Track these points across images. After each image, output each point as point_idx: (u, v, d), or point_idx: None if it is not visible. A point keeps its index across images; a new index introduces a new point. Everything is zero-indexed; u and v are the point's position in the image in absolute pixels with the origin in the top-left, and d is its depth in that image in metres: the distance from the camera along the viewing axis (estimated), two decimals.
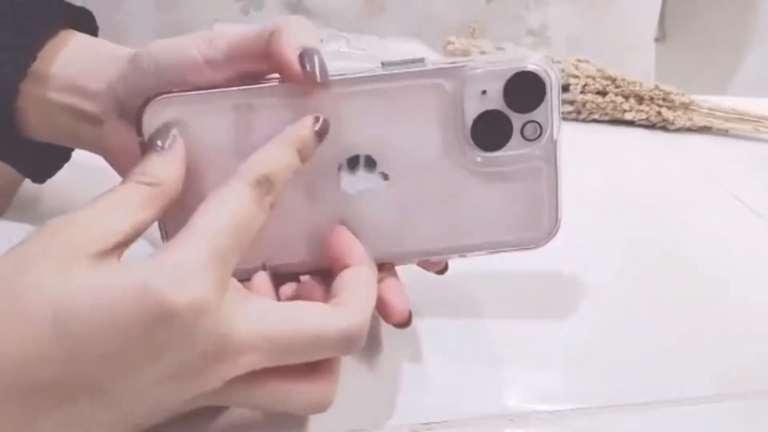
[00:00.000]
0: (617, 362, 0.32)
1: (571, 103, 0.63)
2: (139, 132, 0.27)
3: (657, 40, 0.89)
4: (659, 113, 0.62)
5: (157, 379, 0.22)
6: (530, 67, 0.28)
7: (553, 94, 0.29)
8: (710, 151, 0.60)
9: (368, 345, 0.31)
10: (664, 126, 0.63)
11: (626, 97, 0.62)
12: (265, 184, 0.25)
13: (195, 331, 0.22)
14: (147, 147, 0.26)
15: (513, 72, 0.28)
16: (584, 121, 0.63)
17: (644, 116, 0.62)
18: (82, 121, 0.32)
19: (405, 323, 0.29)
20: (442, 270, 0.32)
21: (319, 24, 0.65)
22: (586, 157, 0.57)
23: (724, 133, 0.64)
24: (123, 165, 0.33)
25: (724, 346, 0.34)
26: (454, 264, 0.38)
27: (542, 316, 0.35)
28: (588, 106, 0.62)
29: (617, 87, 0.62)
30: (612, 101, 0.62)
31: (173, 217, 0.26)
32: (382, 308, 0.29)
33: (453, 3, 0.71)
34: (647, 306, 0.37)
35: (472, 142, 0.29)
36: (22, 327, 0.21)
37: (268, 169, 0.26)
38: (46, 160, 0.36)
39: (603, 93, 0.62)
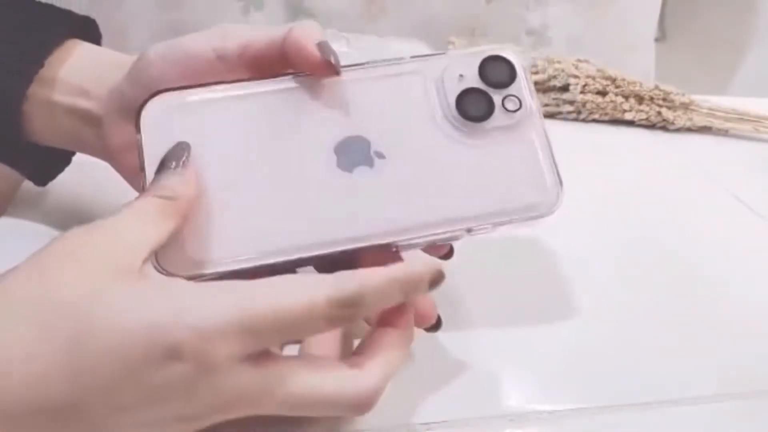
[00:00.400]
0: (617, 362, 0.32)
1: (571, 103, 0.63)
2: (138, 128, 0.28)
3: (657, 40, 0.89)
4: (659, 113, 0.62)
5: (150, 422, 0.22)
6: (498, 52, 0.32)
7: (524, 74, 0.31)
8: (710, 151, 0.60)
9: None
10: (664, 126, 0.63)
11: (626, 97, 0.62)
12: (349, 309, 0.24)
13: (201, 386, 0.21)
14: (161, 166, 0.27)
15: (484, 56, 0.31)
16: (584, 121, 0.63)
17: (644, 116, 0.62)
18: (85, 123, 0.33)
19: (435, 327, 0.29)
20: (448, 254, 0.32)
21: (319, 24, 0.65)
22: (586, 157, 0.57)
23: (724, 133, 0.64)
24: (123, 164, 0.33)
25: (724, 346, 0.34)
26: (454, 263, 0.38)
27: (542, 315, 0.35)
28: (588, 106, 0.62)
29: (617, 87, 0.62)
30: (612, 101, 0.62)
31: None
32: (410, 284, 0.26)
33: (453, 3, 0.71)
34: (647, 306, 0.37)
35: (458, 115, 0.30)
36: (35, 343, 0.21)
37: (364, 299, 0.24)
38: (48, 163, 0.36)
39: (603, 93, 0.62)
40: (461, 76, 0.31)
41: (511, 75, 0.31)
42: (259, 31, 0.30)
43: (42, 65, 0.32)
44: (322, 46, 0.29)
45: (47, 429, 0.21)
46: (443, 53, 0.32)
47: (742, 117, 0.63)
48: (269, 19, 0.68)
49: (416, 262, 0.26)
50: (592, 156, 0.57)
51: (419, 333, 0.32)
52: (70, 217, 0.37)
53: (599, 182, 0.52)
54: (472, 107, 0.31)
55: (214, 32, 0.30)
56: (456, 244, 0.35)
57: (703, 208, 0.49)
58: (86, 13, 0.64)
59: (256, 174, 0.29)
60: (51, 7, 0.35)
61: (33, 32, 0.33)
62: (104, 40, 0.35)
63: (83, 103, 0.33)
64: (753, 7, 1.22)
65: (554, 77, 0.62)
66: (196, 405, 0.22)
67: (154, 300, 0.22)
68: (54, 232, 0.37)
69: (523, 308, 0.35)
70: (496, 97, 0.31)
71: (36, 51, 0.33)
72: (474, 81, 0.31)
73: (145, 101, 0.28)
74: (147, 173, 0.27)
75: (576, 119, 0.64)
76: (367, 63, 0.32)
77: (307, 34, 0.29)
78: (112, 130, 0.32)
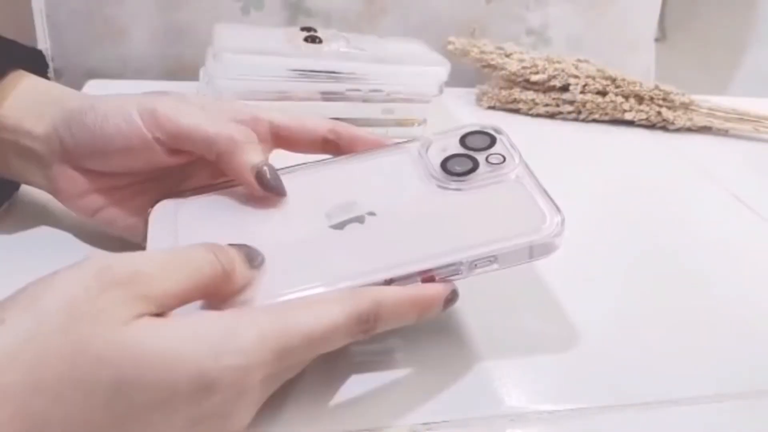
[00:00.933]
0: (617, 362, 0.32)
1: (571, 103, 0.63)
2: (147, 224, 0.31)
3: (657, 40, 0.89)
4: (659, 113, 0.62)
5: None
6: (477, 128, 0.34)
7: (504, 137, 0.33)
8: (710, 151, 0.60)
9: (367, 345, 0.31)
10: (664, 126, 0.63)
11: (626, 97, 0.62)
12: (365, 324, 0.25)
13: (238, 405, 0.23)
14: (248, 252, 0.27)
15: (464, 132, 0.33)
16: (584, 121, 0.63)
17: (644, 116, 0.62)
18: (31, 162, 0.33)
19: (452, 300, 0.29)
20: (451, 298, 0.29)
21: (319, 24, 0.65)
22: (586, 157, 0.57)
23: (724, 133, 0.64)
24: (74, 208, 0.34)
25: (723, 346, 0.34)
26: None
27: (542, 315, 0.35)
28: (588, 106, 0.62)
29: (617, 87, 0.62)
30: (612, 101, 0.62)
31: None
32: (423, 303, 0.28)
33: (453, 3, 0.71)
34: (647, 306, 0.37)
35: (444, 174, 0.32)
36: (73, 391, 0.21)
37: (380, 316, 0.26)
38: None
39: (603, 93, 0.62)
40: (444, 149, 0.33)
41: (492, 140, 0.33)
42: (197, 126, 0.31)
43: None
44: (259, 175, 0.31)
45: None
46: (425, 137, 0.34)
47: (742, 117, 0.63)
48: (269, 19, 0.68)
49: (425, 286, 0.28)
50: (592, 156, 0.57)
51: (419, 333, 0.33)
52: (70, 218, 0.37)
53: (599, 182, 0.52)
54: (457, 166, 0.32)
55: (146, 108, 0.32)
56: None
57: (703, 208, 0.49)
58: (86, 13, 0.64)
59: (256, 240, 0.29)
60: None
61: None
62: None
63: (27, 142, 0.32)
64: (753, 7, 1.22)
65: (554, 77, 0.62)
66: (232, 419, 0.23)
67: (189, 340, 0.22)
68: (53, 233, 0.37)
69: (523, 308, 0.35)
70: (480, 156, 0.32)
71: None
72: (456, 149, 0.33)
73: (153, 205, 0.32)
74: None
75: (576, 119, 0.64)
76: (351, 155, 0.34)
77: (242, 164, 0.31)
78: (59, 174, 0.33)
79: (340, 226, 0.30)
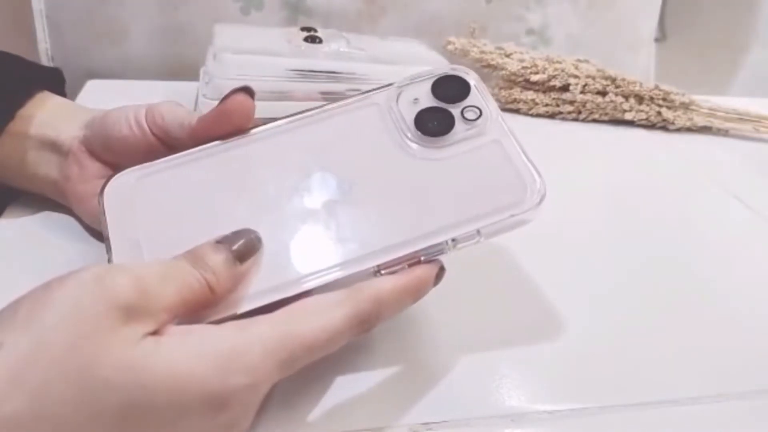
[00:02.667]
0: (617, 362, 0.32)
1: (571, 103, 0.63)
2: (101, 207, 0.29)
3: (657, 40, 0.89)
4: (659, 113, 0.62)
5: None
6: (449, 72, 0.32)
7: (478, 85, 0.31)
8: (710, 151, 0.60)
9: (367, 345, 0.31)
10: (664, 126, 0.63)
11: (626, 97, 0.62)
12: (366, 324, 0.26)
13: (246, 414, 0.24)
14: (235, 252, 0.26)
15: (434, 78, 0.31)
16: (584, 121, 0.63)
17: (644, 116, 0.62)
18: (48, 151, 0.36)
19: (440, 276, 0.29)
20: (439, 273, 0.30)
21: (319, 24, 0.65)
22: (586, 157, 0.57)
23: (724, 133, 0.64)
24: (75, 192, 0.35)
25: (724, 345, 0.34)
26: (453, 264, 0.38)
27: (542, 315, 0.35)
28: (588, 106, 0.62)
29: (617, 87, 0.62)
30: (612, 101, 0.62)
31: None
32: (418, 288, 0.28)
33: (453, 3, 0.71)
34: (647, 306, 0.37)
35: (418, 133, 0.30)
36: (81, 416, 0.20)
37: (383, 308, 0.26)
38: None
39: (603, 93, 0.62)
40: (416, 99, 0.31)
41: (465, 89, 0.31)
42: (176, 116, 0.32)
43: (13, 117, 0.35)
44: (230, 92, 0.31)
45: None
46: (393, 83, 0.32)
47: (742, 117, 0.63)
48: (269, 19, 0.68)
49: (419, 267, 0.27)
50: (592, 156, 0.57)
51: (419, 332, 0.33)
52: (70, 215, 0.37)
53: (599, 182, 0.52)
54: (431, 123, 0.30)
55: (134, 114, 0.33)
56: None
57: (703, 208, 0.49)
58: (86, 13, 0.64)
59: (237, 217, 0.28)
60: (20, 60, 0.39)
61: (7, 86, 0.36)
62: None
63: (52, 135, 0.35)
64: (753, 7, 1.22)
65: (554, 77, 0.62)
66: (238, 428, 0.24)
67: (195, 361, 0.22)
68: (54, 233, 0.37)
69: (524, 308, 0.35)
70: (454, 110, 0.31)
71: (9, 103, 0.35)
72: (429, 101, 0.31)
73: (105, 182, 0.30)
74: (113, 247, 0.28)
75: (576, 119, 0.64)
76: (319, 107, 0.32)
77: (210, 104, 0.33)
78: (74, 161, 0.35)
79: (319, 205, 0.29)
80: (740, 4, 1.22)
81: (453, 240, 0.28)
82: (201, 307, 0.25)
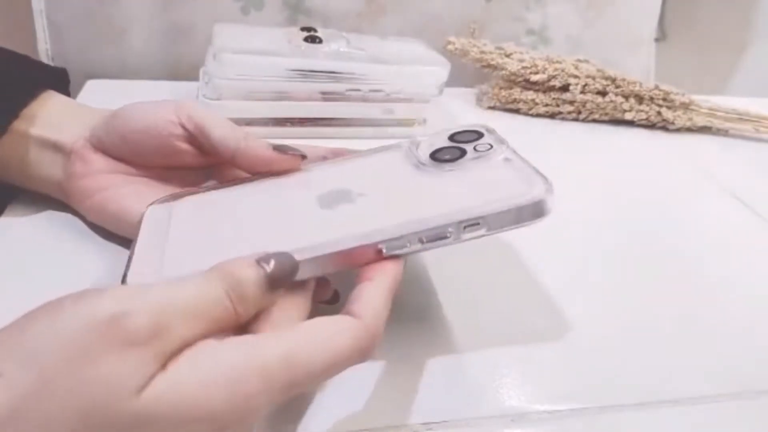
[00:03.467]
0: (617, 362, 0.32)
1: (571, 103, 0.63)
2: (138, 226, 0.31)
3: (657, 40, 0.89)
4: (659, 113, 0.62)
5: None
6: (466, 127, 0.34)
7: (494, 133, 0.34)
8: (710, 151, 0.60)
9: None
10: (664, 126, 0.63)
11: (626, 97, 0.62)
12: (377, 341, 0.25)
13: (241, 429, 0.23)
14: (270, 280, 0.25)
15: (452, 131, 0.34)
16: (584, 121, 0.63)
17: (644, 116, 0.62)
18: (50, 150, 0.36)
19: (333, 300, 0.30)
20: (332, 299, 0.31)
21: (319, 24, 0.65)
22: (586, 157, 0.57)
23: (724, 133, 0.64)
24: (78, 188, 0.35)
25: (724, 346, 0.34)
26: (453, 264, 0.38)
27: (542, 315, 0.35)
28: (588, 106, 0.62)
29: (617, 87, 0.62)
30: (612, 101, 0.62)
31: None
32: (394, 282, 0.27)
33: (453, 3, 0.71)
34: (647, 306, 0.37)
35: (433, 162, 0.32)
36: None
37: (384, 320, 0.26)
38: None
39: (603, 93, 0.62)
40: (433, 144, 0.34)
41: (479, 135, 0.34)
42: (218, 121, 0.34)
43: (17, 116, 0.35)
44: (279, 147, 0.33)
45: None
46: (415, 139, 0.35)
47: (742, 117, 0.63)
48: (269, 19, 0.68)
49: (389, 263, 0.27)
50: (592, 156, 0.57)
51: (420, 332, 0.33)
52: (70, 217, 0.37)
53: (599, 182, 0.52)
54: (446, 155, 0.32)
55: (181, 107, 0.35)
56: (460, 244, 0.35)
57: (703, 208, 0.49)
58: (86, 13, 0.64)
59: (247, 226, 0.30)
60: (25, 59, 0.39)
61: (11, 85, 0.36)
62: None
63: (55, 135, 0.36)
64: (753, 7, 1.22)
65: (554, 77, 0.62)
66: None
67: (199, 391, 0.21)
68: (47, 245, 0.37)
69: (524, 308, 0.35)
70: (468, 147, 0.33)
71: (12, 104, 0.35)
72: (445, 143, 0.33)
73: (150, 204, 0.32)
74: (134, 257, 0.28)
75: (576, 119, 0.64)
76: (343, 157, 0.35)
77: (262, 143, 0.33)
78: (78, 157, 0.35)
79: (331, 207, 0.30)
80: (740, 4, 1.22)
81: (457, 224, 0.27)
82: (222, 330, 0.24)
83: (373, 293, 0.26)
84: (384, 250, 0.27)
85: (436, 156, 0.32)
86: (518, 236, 0.42)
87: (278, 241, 0.27)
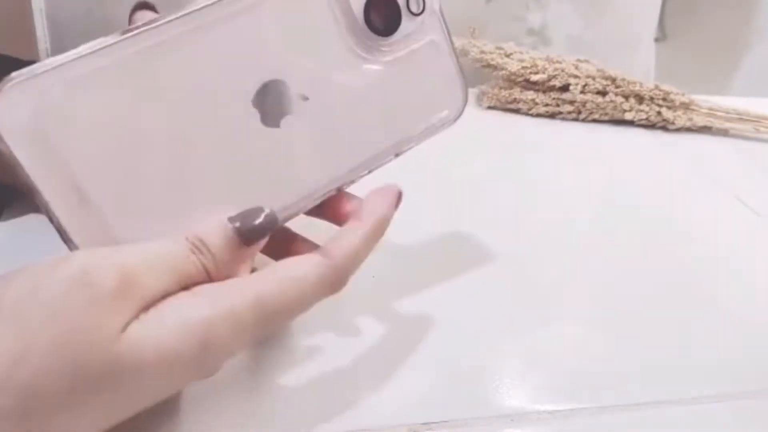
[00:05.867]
0: (617, 362, 0.32)
1: (571, 103, 0.63)
2: None
3: (657, 40, 0.89)
4: (659, 113, 0.62)
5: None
6: None
7: None
8: (710, 151, 0.60)
9: (367, 344, 0.31)
10: (664, 126, 0.63)
11: (626, 97, 0.62)
12: (340, 284, 0.26)
13: (217, 367, 0.24)
14: (242, 235, 0.25)
15: None
16: (584, 121, 0.63)
17: (644, 116, 0.62)
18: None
19: (398, 202, 0.29)
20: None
21: None
22: (586, 157, 0.57)
23: (724, 133, 0.64)
24: None
25: (724, 346, 0.34)
26: (453, 265, 0.38)
27: (542, 315, 0.35)
28: (588, 106, 0.62)
29: (617, 87, 0.62)
30: (612, 101, 0.62)
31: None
32: (382, 230, 0.28)
33: (453, 3, 0.71)
34: (647, 306, 0.37)
35: (369, 31, 0.29)
36: (73, 407, 0.21)
37: (357, 263, 0.26)
38: None
39: (603, 93, 0.62)
40: None
41: None
42: None
43: None
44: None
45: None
46: None
47: (742, 117, 0.63)
48: None
49: (375, 210, 0.28)
50: (592, 156, 0.57)
51: (420, 332, 0.33)
52: None
53: (599, 182, 0.52)
54: (381, 20, 0.29)
55: None
56: (456, 243, 0.34)
57: (703, 208, 0.49)
58: (86, 13, 0.64)
59: (174, 143, 0.25)
60: (6, 59, 0.37)
61: None
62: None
63: None
64: (753, 7, 1.22)
65: (554, 77, 0.62)
66: (213, 374, 0.24)
67: (176, 332, 0.22)
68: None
69: (524, 308, 0.35)
70: (401, 0, 0.30)
71: None
72: None
73: None
74: (41, 191, 0.23)
75: (576, 119, 0.64)
76: None
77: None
78: None
79: (275, 122, 0.27)
80: (740, 4, 1.22)
81: (397, 153, 0.31)
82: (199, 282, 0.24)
83: (350, 236, 0.27)
84: (343, 188, 0.29)
85: (371, 18, 0.29)
86: (517, 235, 0.42)
87: (236, 190, 0.26)
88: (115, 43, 0.24)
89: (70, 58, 0.24)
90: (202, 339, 0.22)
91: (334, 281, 0.26)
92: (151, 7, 0.29)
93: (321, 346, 0.31)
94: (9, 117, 0.22)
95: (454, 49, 0.32)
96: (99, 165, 0.24)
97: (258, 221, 0.25)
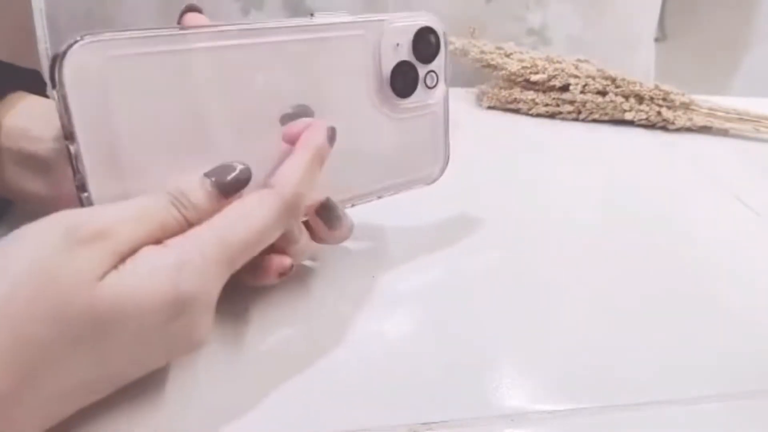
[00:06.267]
0: (617, 362, 0.32)
1: (571, 103, 0.63)
2: (54, 82, 0.25)
3: (657, 40, 0.89)
4: (659, 113, 0.62)
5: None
6: (430, 23, 0.35)
7: (446, 47, 0.36)
8: (710, 151, 0.60)
9: (367, 344, 0.31)
10: (664, 126, 0.63)
11: (626, 97, 0.62)
12: (295, 210, 0.29)
13: (195, 316, 0.25)
14: (219, 187, 0.27)
15: (418, 27, 0.35)
16: (584, 121, 0.63)
17: (644, 116, 0.62)
18: (31, 168, 0.32)
19: (332, 134, 0.31)
20: (286, 271, 0.32)
21: None
22: (586, 157, 0.57)
23: (724, 133, 0.64)
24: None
25: (724, 346, 0.34)
26: (452, 263, 0.38)
27: (542, 315, 0.35)
28: (588, 106, 0.62)
29: (617, 87, 0.62)
30: (612, 101, 0.62)
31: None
32: (316, 152, 0.30)
33: (453, 3, 0.71)
34: (647, 306, 0.37)
35: (390, 90, 0.34)
36: (60, 344, 0.22)
37: (302, 188, 0.29)
38: None
39: (603, 93, 0.62)
40: (397, 45, 0.34)
41: (437, 48, 0.35)
42: None
43: None
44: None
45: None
46: (383, 19, 0.34)
47: (742, 117, 0.63)
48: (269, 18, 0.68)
49: (310, 140, 0.30)
50: (592, 156, 0.57)
51: (420, 332, 0.33)
52: None
53: (599, 182, 0.52)
54: (402, 84, 0.34)
55: None
56: (455, 243, 0.34)
57: (703, 208, 0.49)
58: (86, 13, 0.64)
59: (208, 129, 0.29)
60: None
61: None
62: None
63: (32, 148, 0.32)
64: (753, 7, 1.22)
65: (554, 77, 0.62)
66: (199, 331, 0.26)
67: (148, 279, 0.24)
68: None
69: (524, 308, 0.35)
70: (422, 71, 0.35)
71: None
72: (407, 53, 0.34)
73: (67, 50, 0.25)
74: (79, 139, 0.25)
75: (576, 119, 0.64)
76: (311, 24, 0.31)
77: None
78: (63, 177, 0.31)
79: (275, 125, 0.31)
80: (740, 4, 1.22)
81: (379, 196, 0.36)
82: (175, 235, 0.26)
83: (288, 165, 0.29)
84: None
85: (393, 81, 0.34)
86: (517, 235, 0.42)
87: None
88: (179, 35, 0.28)
89: (138, 35, 0.26)
90: (173, 283, 0.24)
91: (289, 209, 0.28)
92: (199, 10, 0.32)
93: (321, 346, 0.31)
94: (74, 68, 0.25)
95: (447, 122, 0.37)
96: (137, 130, 0.27)
97: (233, 174, 0.27)
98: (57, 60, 0.24)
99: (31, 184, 0.32)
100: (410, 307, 0.34)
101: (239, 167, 0.28)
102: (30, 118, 0.32)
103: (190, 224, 0.26)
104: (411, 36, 0.34)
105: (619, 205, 0.48)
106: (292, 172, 0.29)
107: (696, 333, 0.35)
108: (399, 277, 0.37)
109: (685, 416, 0.30)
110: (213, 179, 0.27)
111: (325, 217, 0.32)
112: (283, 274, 0.31)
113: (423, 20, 0.35)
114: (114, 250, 0.23)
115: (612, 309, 0.36)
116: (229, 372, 0.29)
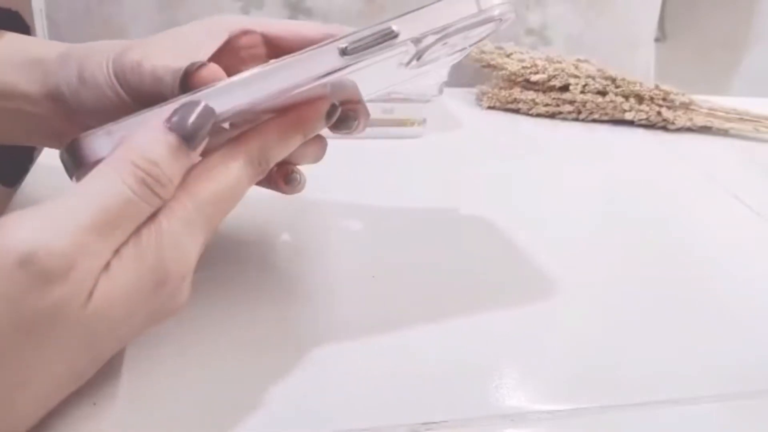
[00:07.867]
0: (617, 362, 0.32)
1: (571, 103, 0.63)
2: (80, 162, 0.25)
3: (657, 40, 0.89)
4: (659, 113, 0.62)
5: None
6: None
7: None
8: (710, 151, 0.60)
9: (367, 344, 0.31)
10: (664, 126, 0.63)
11: (626, 97, 0.62)
12: (260, 166, 0.27)
13: (176, 285, 0.25)
14: (185, 139, 0.24)
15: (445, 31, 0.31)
16: (584, 121, 0.63)
17: (644, 116, 0.62)
18: (24, 121, 0.32)
19: (333, 113, 0.29)
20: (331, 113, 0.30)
21: (320, 23, 0.65)
22: (586, 157, 0.57)
23: (724, 133, 0.64)
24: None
25: (724, 345, 0.34)
26: (453, 264, 0.38)
27: (542, 315, 0.35)
28: (588, 106, 0.62)
29: (617, 87, 0.62)
30: (612, 101, 0.62)
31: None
32: (305, 124, 0.29)
33: None
34: (647, 306, 0.37)
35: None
36: (54, 351, 0.22)
37: (272, 152, 0.27)
38: (8, 162, 0.36)
39: (603, 93, 0.62)
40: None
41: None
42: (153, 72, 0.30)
43: None
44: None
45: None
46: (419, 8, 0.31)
47: (742, 117, 0.63)
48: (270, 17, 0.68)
49: (301, 108, 0.28)
50: (592, 156, 0.57)
51: (420, 332, 0.33)
52: None
53: (599, 182, 0.52)
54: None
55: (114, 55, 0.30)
56: (455, 243, 0.34)
57: (703, 208, 0.49)
58: (86, 12, 0.64)
59: None
60: None
61: None
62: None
63: (24, 106, 0.31)
64: (753, 7, 1.22)
65: (554, 77, 0.62)
66: (180, 298, 0.26)
67: (132, 271, 0.23)
68: None
69: (523, 308, 0.35)
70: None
71: None
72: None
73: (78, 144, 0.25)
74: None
75: (576, 119, 0.64)
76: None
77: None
78: (64, 129, 0.31)
79: None
80: (740, 4, 1.22)
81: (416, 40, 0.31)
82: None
83: (267, 125, 0.27)
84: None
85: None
86: (517, 236, 0.42)
87: None
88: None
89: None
90: (158, 264, 0.23)
91: (253, 166, 0.27)
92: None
93: (321, 346, 0.31)
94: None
95: None
96: None
97: (194, 116, 0.24)
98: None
99: (22, 132, 0.33)
100: (409, 307, 0.34)
101: (201, 105, 0.25)
102: (12, 71, 0.31)
103: (155, 198, 0.24)
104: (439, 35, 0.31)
105: (619, 205, 0.48)
106: (264, 134, 0.27)
107: (696, 333, 0.35)
108: (399, 277, 0.37)
109: (685, 416, 0.30)
110: (174, 119, 0.24)
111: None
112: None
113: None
114: (92, 269, 0.22)
115: (612, 309, 0.36)
116: (229, 372, 0.29)
